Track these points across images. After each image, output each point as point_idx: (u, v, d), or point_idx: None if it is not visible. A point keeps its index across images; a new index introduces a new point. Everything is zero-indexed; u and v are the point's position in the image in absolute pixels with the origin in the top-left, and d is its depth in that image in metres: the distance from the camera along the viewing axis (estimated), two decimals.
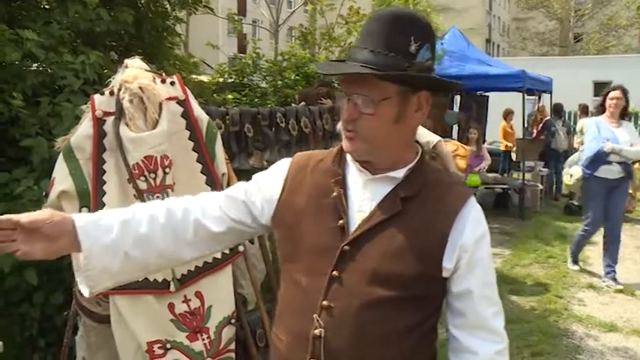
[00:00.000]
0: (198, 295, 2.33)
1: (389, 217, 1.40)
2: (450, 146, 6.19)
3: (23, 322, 3.70)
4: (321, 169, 1.52)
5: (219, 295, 2.37)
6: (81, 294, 2.39)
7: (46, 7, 4.86)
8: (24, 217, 1.31)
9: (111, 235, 1.37)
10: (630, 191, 9.45)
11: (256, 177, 1.61)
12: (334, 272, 1.40)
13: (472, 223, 1.42)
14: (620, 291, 6.05)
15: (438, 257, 1.39)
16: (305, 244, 1.47)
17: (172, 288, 2.26)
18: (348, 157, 1.49)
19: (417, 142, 1.52)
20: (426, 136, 5.84)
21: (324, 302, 1.40)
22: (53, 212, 1.35)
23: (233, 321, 2.40)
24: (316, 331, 1.39)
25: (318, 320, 1.40)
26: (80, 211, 2.20)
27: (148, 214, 1.44)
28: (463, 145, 7.17)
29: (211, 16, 8.47)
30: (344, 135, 1.43)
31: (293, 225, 1.49)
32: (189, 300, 2.31)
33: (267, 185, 1.57)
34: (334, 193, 1.44)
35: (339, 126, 1.45)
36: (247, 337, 2.72)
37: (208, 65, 10.45)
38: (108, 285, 1.42)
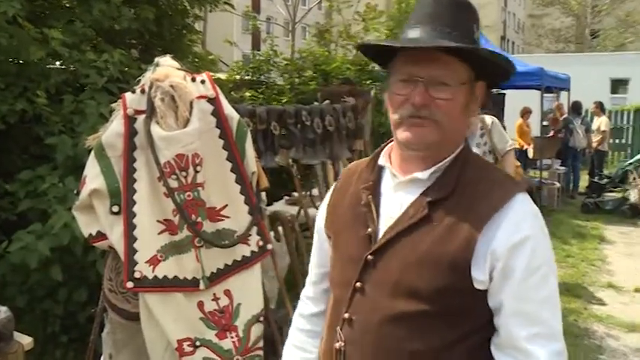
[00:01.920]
0: (227, 293, 2.33)
1: (414, 223, 1.28)
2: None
3: (46, 318, 3.74)
4: (361, 177, 1.45)
5: (247, 293, 2.37)
6: (110, 290, 2.42)
7: (67, 5, 4.89)
8: None
9: None
10: None
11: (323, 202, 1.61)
12: (357, 283, 1.33)
13: (509, 226, 1.23)
14: None
15: (465, 267, 1.23)
16: (341, 253, 1.43)
17: (202, 286, 2.27)
18: (382, 160, 1.41)
19: None
20: (505, 139, 5.48)
21: (346, 315, 1.34)
22: None
23: (262, 319, 2.40)
24: (337, 345, 1.34)
25: (339, 334, 1.34)
26: (111, 208, 2.21)
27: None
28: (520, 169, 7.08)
29: (226, 13, 8.49)
30: (407, 123, 1.28)
31: (336, 234, 1.46)
32: (219, 298, 2.31)
33: (322, 208, 1.56)
34: (363, 200, 1.38)
35: (396, 116, 1.30)
36: (275, 335, 2.73)
37: (224, 62, 10.48)
38: None
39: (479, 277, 1.23)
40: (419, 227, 1.27)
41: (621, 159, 15.09)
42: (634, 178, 9.63)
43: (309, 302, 1.62)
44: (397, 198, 1.34)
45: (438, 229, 1.26)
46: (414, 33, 1.28)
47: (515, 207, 1.25)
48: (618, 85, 22.04)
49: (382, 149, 1.45)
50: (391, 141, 1.44)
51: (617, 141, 15.85)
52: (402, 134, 1.30)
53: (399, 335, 1.26)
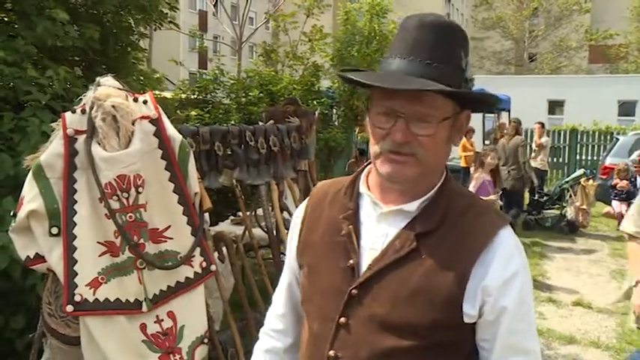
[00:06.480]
0: (171, 315, 2.30)
1: (402, 256, 1.24)
2: None
3: None
4: (336, 202, 1.39)
5: (191, 314, 2.35)
6: (49, 315, 2.35)
7: (6, 19, 4.76)
8: None
9: None
10: (584, 207, 9.80)
11: (290, 231, 1.53)
12: (341, 319, 1.27)
13: (500, 261, 1.22)
14: (578, 304, 6.23)
15: (457, 302, 1.22)
16: (318, 284, 1.35)
17: (144, 308, 2.23)
18: (362, 187, 1.36)
19: None
20: None
21: (331, 352, 1.27)
22: None
23: (206, 341, 2.38)
24: None
25: None
26: (50, 230, 2.17)
27: None
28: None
29: (172, 32, 8.46)
30: (387, 157, 1.24)
31: (311, 264, 1.39)
32: (162, 320, 2.28)
33: (292, 236, 1.49)
34: (344, 231, 1.32)
35: (376, 148, 1.25)
36: (219, 356, 2.71)
37: (170, 81, 10.39)
38: None
39: (469, 312, 1.22)
40: (407, 260, 1.24)
41: (559, 177, 15.69)
42: (570, 196, 10.03)
43: (277, 335, 1.53)
44: (380, 229, 1.30)
45: (427, 263, 1.23)
46: (394, 64, 1.22)
47: (504, 242, 1.25)
48: (555, 106, 23.06)
49: (360, 174, 1.41)
50: (369, 163, 1.39)
51: (554, 160, 16.48)
52: (381, 167, 1.26)
53: None
